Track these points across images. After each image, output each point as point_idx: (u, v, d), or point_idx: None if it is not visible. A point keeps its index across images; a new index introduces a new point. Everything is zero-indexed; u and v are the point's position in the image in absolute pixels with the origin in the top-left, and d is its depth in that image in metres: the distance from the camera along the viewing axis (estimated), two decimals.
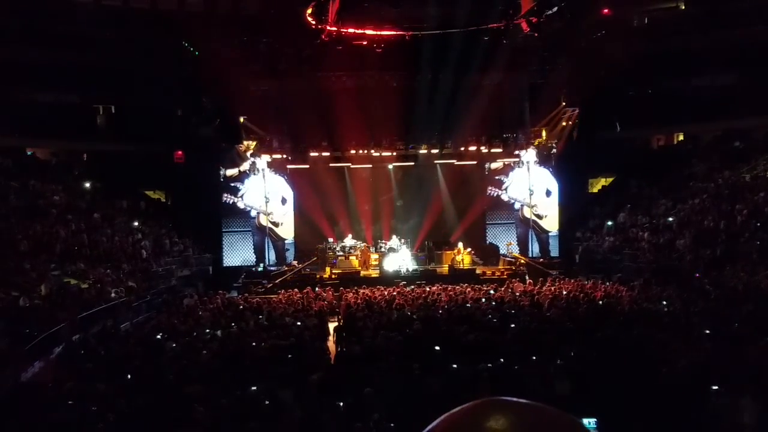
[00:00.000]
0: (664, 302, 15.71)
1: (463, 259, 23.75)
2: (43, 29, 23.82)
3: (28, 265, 17.36)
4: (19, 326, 13.69)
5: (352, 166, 26.32)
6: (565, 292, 17.64)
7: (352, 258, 23.83)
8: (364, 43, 22.34)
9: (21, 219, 19.83)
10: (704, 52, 24.99)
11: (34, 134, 24.68)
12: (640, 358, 9.92)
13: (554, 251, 25.52)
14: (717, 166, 24.67)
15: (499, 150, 25.85)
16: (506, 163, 25.98)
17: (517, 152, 25.71)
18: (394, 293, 18.22)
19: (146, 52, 23.39)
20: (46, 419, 8.15)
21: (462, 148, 25.84)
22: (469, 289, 18.83)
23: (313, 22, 21.30)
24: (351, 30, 21.81)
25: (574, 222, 25.84)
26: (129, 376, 10.21)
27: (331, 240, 24.88)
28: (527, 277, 21.78)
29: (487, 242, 26.45)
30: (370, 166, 26.37)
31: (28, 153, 26.02)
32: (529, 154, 25.45)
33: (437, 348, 11.13)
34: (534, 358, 10.22)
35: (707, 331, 11.82)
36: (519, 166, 25.72)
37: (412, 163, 26.45)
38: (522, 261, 23.83)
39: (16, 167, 23.30)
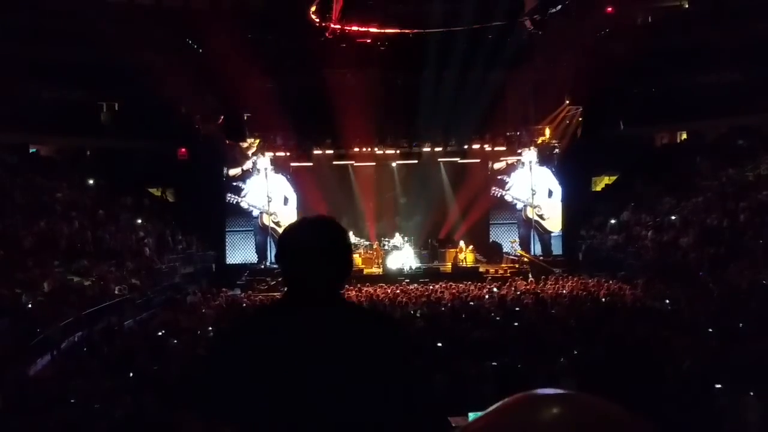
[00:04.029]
0: (667, 300, 15.71)
1: (466, 258, 23.77)
2: (46, 25, 23.84)
3: (31, 262, 17.38)
4: (23, 323, 13.71)
5: (355, 164, 26.31)
6: (568, 291, 17.64)
7: (355, 255, 23.81)
8: (368, 40, 22.33)
9: (25, 216, 19.85)
10: (709, 50, 24.91)
11: (38, 131, 24.68)
12: (644, 356, 9.90)
13: (557, 250, 25.51)
14: (721, 163, 24.61)
15: (503, 148, 25.83)
16: (509, 162, 25.97)
17: (520, 150, 25.72)
18: (398, 291, 18.22)
19: (151, 48, 23.39)
20: (51, 417, 8.17)
21: (465, 146, 25.83)
22: (472, 287, 18.84)
23: (317, 20, 21.30)
24: (355, 28, 21.80)
25: (577, 220, 25.81)
26: (133, 374, 10.22)
27: None
28: (530, 275, 21.78)
29: (491, 240, 26.45)
30: (374, 164, 26.36)
31: (32, 150, 26.06)
32: (531, 154, 25.45)
33: (440, 345, 11.12)
34: (538, 356, 10.20)
35: (711, 330, 11.80)
36: (521, 167, 25.73)
37: (416, 161, 26.43)
38: (525, 259, 23.82)
39: (20, 164, 23.35)
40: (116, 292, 17.65)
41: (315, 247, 2.18)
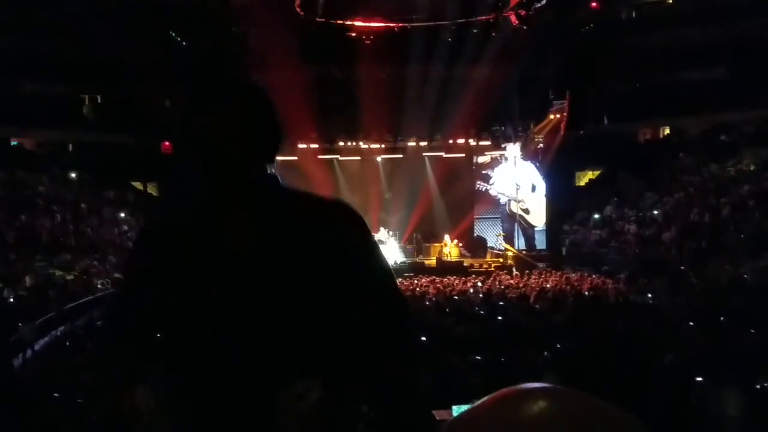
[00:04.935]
0: (649, 295, 15.82)
1: (450, 252, 23.82)
2: (29, 18, 23.55)
3: (13, 256, 17.23)
4: (4, 318, 13.59)
5: (341, 158, 26.26)
6: (551, 285, 17.74)
7: None
8: (353, 34, 22.29)
9: (6, 210, 19.67)
10: (693, 46, 25.05)
11: (20, 124, 24.39)
12: (626, 350, 9.98)
13: (541, 245, 25.65)
14: (704, 159, 24.79)
15: (488, 143, 25.91)
16: (493, 156, 26.06)
17: (504, 145, 25.81)
18: None
19: (133, 41, 23.17)
20: (34, 412, 8.11)
21: (450, 141, 25.86)
22: (457, 282, 18.89)
23: (302, 13, 21.23)
24: (340, 21, 21.75)
25: (561, 215, 25.93)
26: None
27: None
28: (514, 270, 21.87)
29: (475, 235, 26.53)
30: (359, 158, 26.33)
31: (14, 143, 25.77)
32: (515, 149, 25.53)
33: (424, 339, 11.14)
34: (522, 350, 10.25)
35: (692, 323, 11.90)
36: (505, 161, 25.82)
37: (401, 156, 26.43)
38: (510, 253, 23.91)
39: (1, 157, 23.10)
40: (99, 286, 17.52)
41: (229, 109, 1.75)
